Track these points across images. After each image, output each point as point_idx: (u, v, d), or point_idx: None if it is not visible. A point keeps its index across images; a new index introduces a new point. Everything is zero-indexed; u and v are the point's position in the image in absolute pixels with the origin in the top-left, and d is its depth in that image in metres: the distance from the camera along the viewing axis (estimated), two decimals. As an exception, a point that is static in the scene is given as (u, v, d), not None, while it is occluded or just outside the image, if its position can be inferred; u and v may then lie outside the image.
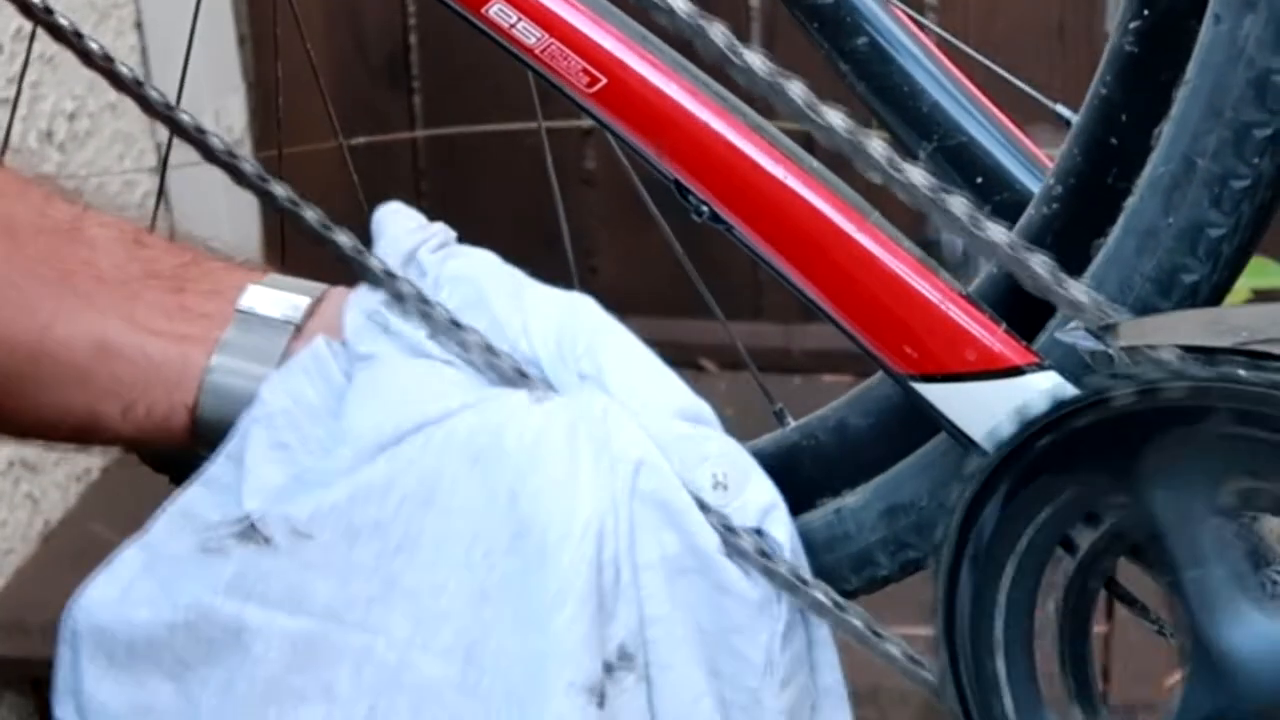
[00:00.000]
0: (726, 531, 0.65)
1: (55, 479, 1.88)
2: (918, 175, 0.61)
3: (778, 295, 2.03)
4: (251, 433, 0.66)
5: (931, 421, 0.67)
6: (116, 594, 0.65)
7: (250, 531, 0.64)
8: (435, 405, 0.65)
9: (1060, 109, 0.74)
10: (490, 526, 0.64)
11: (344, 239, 0.68)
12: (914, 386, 0.63)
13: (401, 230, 0.69)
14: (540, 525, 0.63)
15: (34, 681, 1.86)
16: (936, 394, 0.63)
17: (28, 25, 1.48)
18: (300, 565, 0.63)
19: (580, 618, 0.63)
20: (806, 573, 0.66)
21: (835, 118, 0.61)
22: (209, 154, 0.73)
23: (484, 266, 0.69)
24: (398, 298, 0.67)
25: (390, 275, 0.67)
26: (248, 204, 1.93)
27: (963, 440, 0.63)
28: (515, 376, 0.66)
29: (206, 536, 0.64)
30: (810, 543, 0.69)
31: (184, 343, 0.68)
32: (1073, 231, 0.65)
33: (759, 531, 0.65)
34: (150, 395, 0.68)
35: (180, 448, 0.69)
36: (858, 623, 0.66)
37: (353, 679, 0.63)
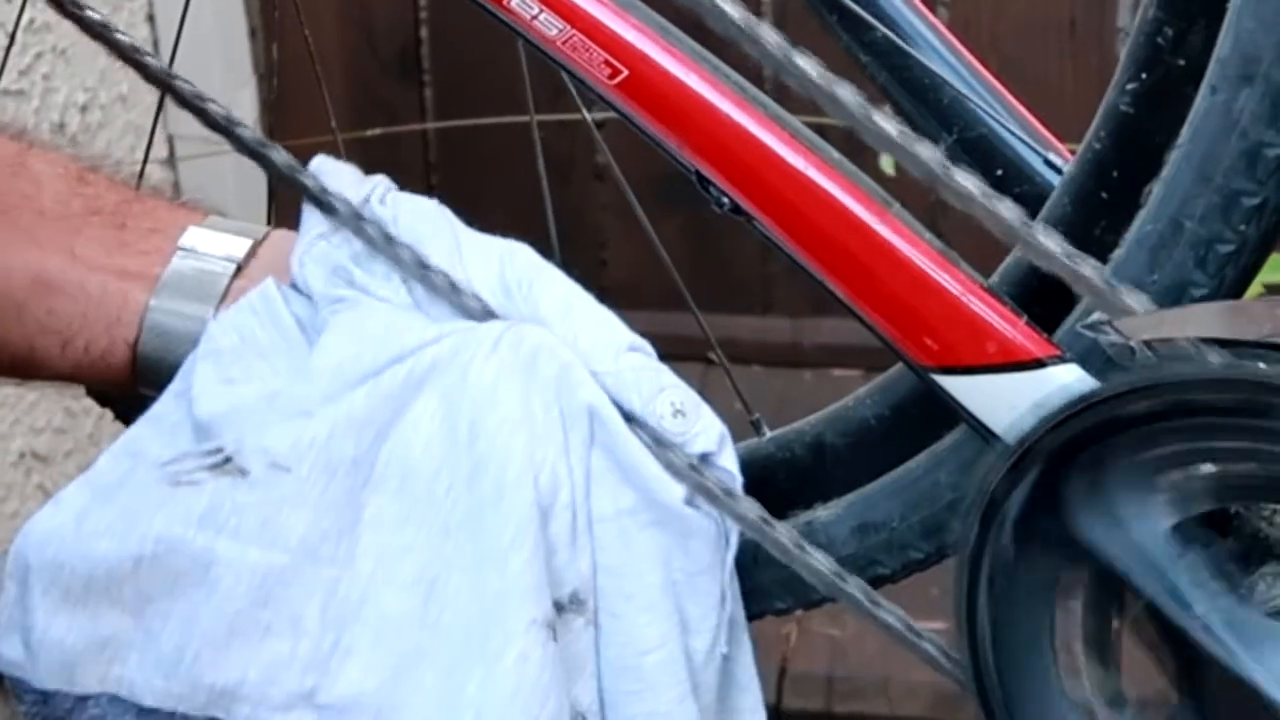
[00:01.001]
0: (690, 470, 0.65)
1: (66, 470, 1.88)
2: (970, 182, 0.61)
3: (787, 290, 2.03)
4: (198, 368, 0.66)
5: (941, 421, 0.67)
6: (71, 527, 0.63)
7: (225, 464, 0.63)
8: (414, 337, 0.65)
9: (1051, 157, 0.74)
10: (452, 462, 0.64)
11: (340, 203, 0.68)
12: (935, 379, 0.63)
13: (347, 182, 0.69)
14: (497, 464, 0.64)
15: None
16: (957, 386, 0.63)
17: (40, 17, 1.47)
18: (277, 499, 0.63)
19: (536, 559, 0.63)
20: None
21: (886, 122, 0.62)
22: (209, 121, 0.72)
23: (425, 217, 0.69)
24: (396, 261, 0.67)
25: (388, 238, 0.67)
26: (257, 195, 1.93)
27: (983, 433, 0.63)
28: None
29: (175, 469, 0.64)
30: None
31: (124, 278, 0.68)
32: (1055, 282, 0.66)
33: (705, 458, 0.66)
34: (89, 331, 0.68)
35: (119, 384, 0.69)
36: (784, 539, 0.67)
37: (320, 613, 0.63)
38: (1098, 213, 0.65)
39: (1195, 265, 0.61)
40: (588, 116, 0.84)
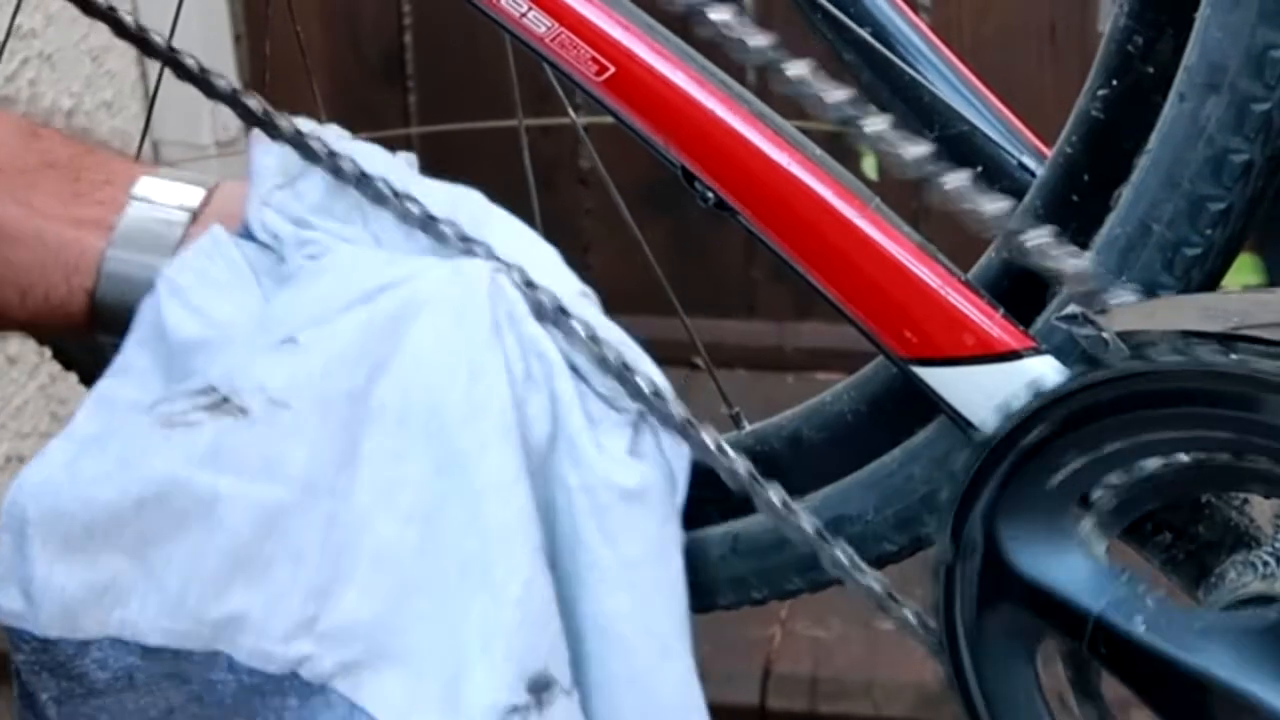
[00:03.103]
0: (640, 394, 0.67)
1: (51, 475, 1.88)
2: (958, 179, 0.63)
3: (771, 294, 2.03)
4: (165, 305, 0.66)
5: (916, 416, 0.68)
6: (65, 477, 0.64)
7: (223, 404, 0.64)
8: (401, 268, 0.67)
9: (1026, 159, 0.76)
10: (452, 400, 0.65)
11: (317, 144, 0.70)
12: (913, 370, 0.64)
13: (305, 129, 0.71)
14: (499, 404, 0.65)
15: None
16: (935, 377, 0.64)
17: (28, 22, 1.48)
18: (277, 435, 0.64)
19: (533, 495, 0.65)
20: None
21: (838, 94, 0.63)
22: (187, 73, 0.74)
23: (381, 161, 0.70)
24: (374, 195, 0.69)
25: (364, 174, 0.69)
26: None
27: (961, 423, 0.64)
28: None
29: (168, 410, 0.64)
30: (758, 544, 0.71)
31: (81, 228, 0.69)
32: (1031, 278, 0.67)
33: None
34: (48, 280, 0.69)
35: (78, 331, 0.70)
36: (709, 440, 0.68)
37: (320, 544, 0.64)
38: (1069, 215, 0.66)
39: (1163, 267, 0.62)
40: (576, 120, 0.85)
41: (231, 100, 0.72)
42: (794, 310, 2.00)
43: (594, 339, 0.67)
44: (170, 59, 0.74)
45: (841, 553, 0.67)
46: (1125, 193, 0.64)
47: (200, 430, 0.64)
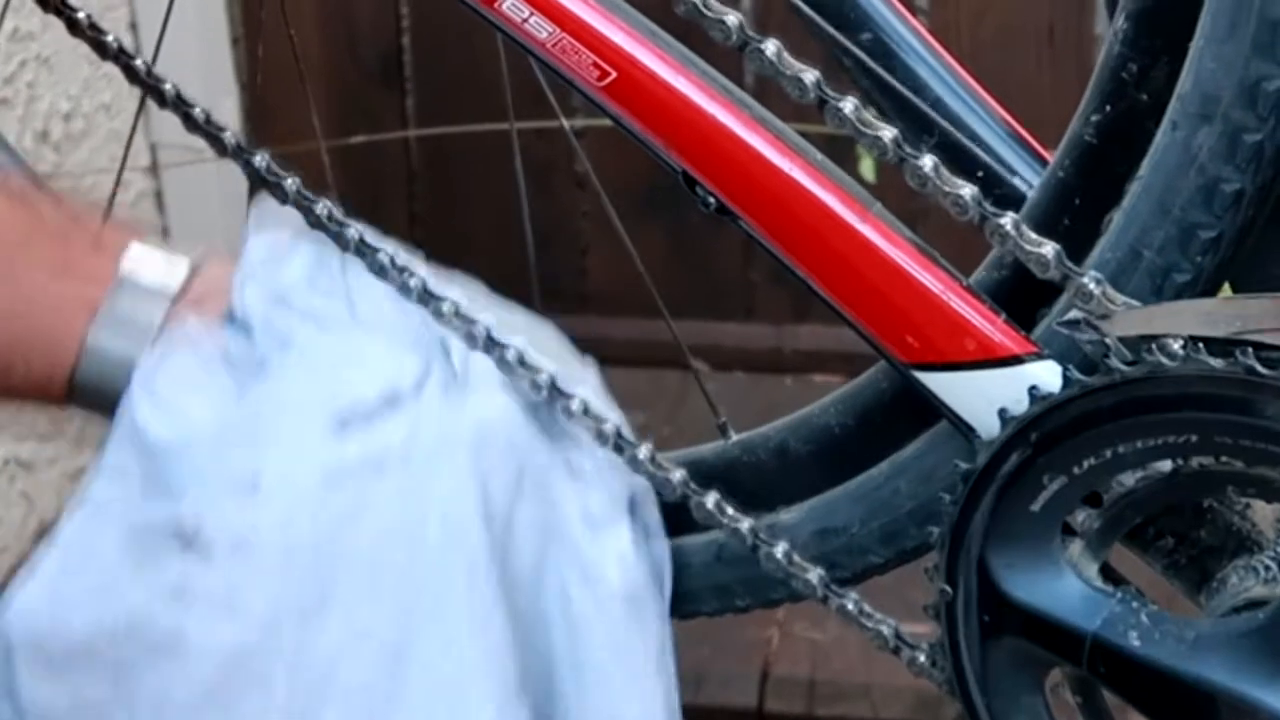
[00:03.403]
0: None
1: (50, 478, 1.88)
2: (965, 189, 0.63)
3: (769, 296, 2.03)
4: (138, 406, 0.67)
5: (903, 430, 0.69)
6: (44, 601, 0.66)
7: (190, 540, 0.65)
8: (363, 384, 0.67)
9: (1022, 164, 0.76)
10: (421, 552, 0.66)
11: (320, 208, 0.71)
12: (915, 375, 0.65)
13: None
14: (468, 551, 0.66)
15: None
16: (937, 382, 0.64)
17: (24, 25, 1.47)
18: (239, 578, 0.65)
19: (503, 638, 0.67)
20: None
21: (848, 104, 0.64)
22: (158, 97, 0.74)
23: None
24: (379, 271, 0.69)
25: (367, 245, 0.69)
26: (239, 203, 1.94)
27: (963, 429, 0.64)
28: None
29: (142, 542, 0.66)
30: (742, 554, 0.71)
31: (64, 306, 0.69)
32: (1021, 299, 0.68)
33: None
34: (30, 358, 0.69)
35: (58, 406, 0.70)
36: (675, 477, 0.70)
37: (288, 680, 0.66)
38: (1060, 238, 0.67)
39: (1152, 293, 0.63)
40: (566, 124, 0.85)
41: (204, 131, 0.73)
42: (792, 313, 2.00)
43: (590, 416, 0.68)
44: (149, 85, 0.74)
45: (814, 576, 0.68)
46: (1116, 218, 0.64)
47: (168, 567, 0.65)
